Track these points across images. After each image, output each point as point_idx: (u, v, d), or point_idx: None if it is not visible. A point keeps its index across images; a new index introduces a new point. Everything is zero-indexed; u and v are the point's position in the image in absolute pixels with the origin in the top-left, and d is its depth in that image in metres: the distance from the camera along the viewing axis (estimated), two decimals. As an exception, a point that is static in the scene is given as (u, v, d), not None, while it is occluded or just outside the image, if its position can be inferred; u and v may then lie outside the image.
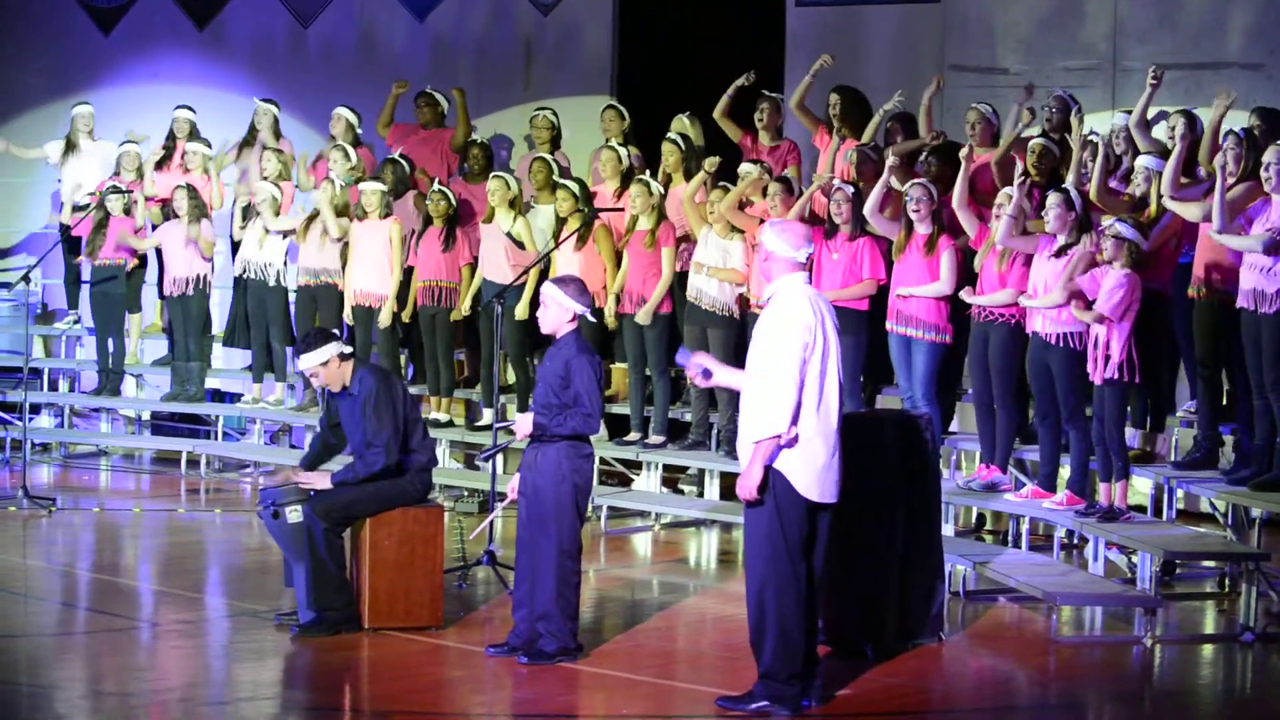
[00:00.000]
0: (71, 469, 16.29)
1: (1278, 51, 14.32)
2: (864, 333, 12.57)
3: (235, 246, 16.38)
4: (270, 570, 11.41)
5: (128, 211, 16.32)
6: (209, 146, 16.53)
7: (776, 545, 8.46)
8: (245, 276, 15.87)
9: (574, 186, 14.23)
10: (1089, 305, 10.99)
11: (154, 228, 16.38)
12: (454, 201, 14.87)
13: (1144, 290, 10.99)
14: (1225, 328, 11.31)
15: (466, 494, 14.20)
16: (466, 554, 11.62)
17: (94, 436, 17.20)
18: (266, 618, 10.31)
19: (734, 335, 13.24)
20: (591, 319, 9.64)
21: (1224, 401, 11.83)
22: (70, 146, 17.12)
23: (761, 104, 14.15)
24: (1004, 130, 12.78)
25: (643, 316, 13.73)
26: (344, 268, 15.26)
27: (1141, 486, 12.19)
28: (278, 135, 16.41)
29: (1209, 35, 14.57)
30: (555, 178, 14.57)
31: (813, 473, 8.45)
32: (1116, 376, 10.87)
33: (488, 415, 14.63)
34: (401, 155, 15.61)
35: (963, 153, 12.24)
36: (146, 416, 17.05)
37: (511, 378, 14.70)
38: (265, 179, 15.77)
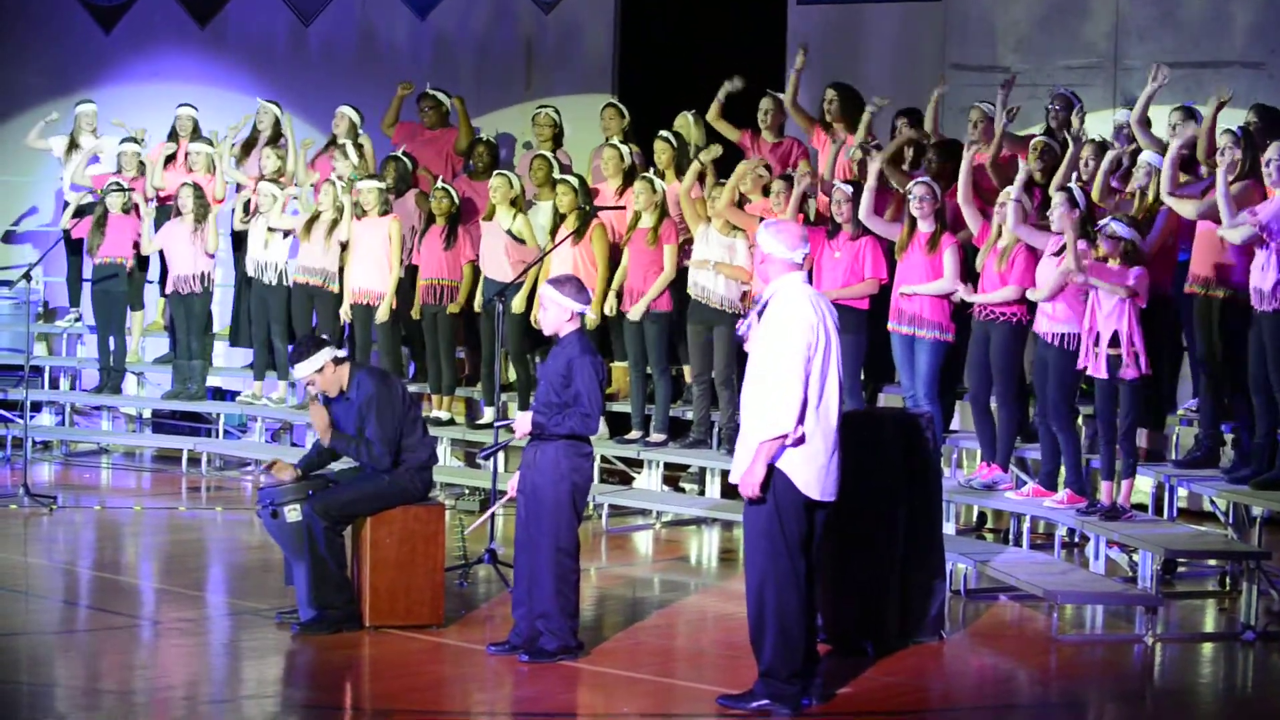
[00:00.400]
0: (72, 467, 16.29)
1: (1278, 50, 14.32)
2: (864, 332, 12.57)
3: (236, 241, 16.38)
4: (271, 568, 11.41)
5: (127, 210, 16.32)
6: (211, 145, 16.53)
7: (776, 543, 8.46)
8: (253, 275, 15.86)
9: (574, 182, 14.23)
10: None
11: (156, 227, 16.38)
12: (457, 200, 14.88)
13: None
14: (1225, 325, 11.31)
15: (467, 492, 14.22)
16: (467, 552, 11.62)
17: (95, 434, 17.21)
18: (267, 616, 10.31)
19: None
20: (592, 316, 9.63)
21: (1225, 400, 11.83)
22: (73, 145, 17.14)
23: (764, 103, 14.14)
24: (995, 128, 12.77)
25: (635, 312, 13.71)
26: (342, 268, 15.28)
27: (1142, 485, 12.18)
28: (279, 135, 16.40)
29: (1210, 34, 14.57)
30: (556, 175, 14.57)
31: (813, 471, 8.45)
32: (1137, 374, 10.84)
33: (488, 414, 14.63)
34: (404, 153, 15.60)
35: (970, 140, 12.21)
36: (147, 414, 17.05)
37: (512, 376, 14.71)
38: (264, 178, 15.79)
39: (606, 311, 13.95)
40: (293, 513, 9.92)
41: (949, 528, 11.95)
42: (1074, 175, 11.77)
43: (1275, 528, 11.86)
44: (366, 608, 10.01)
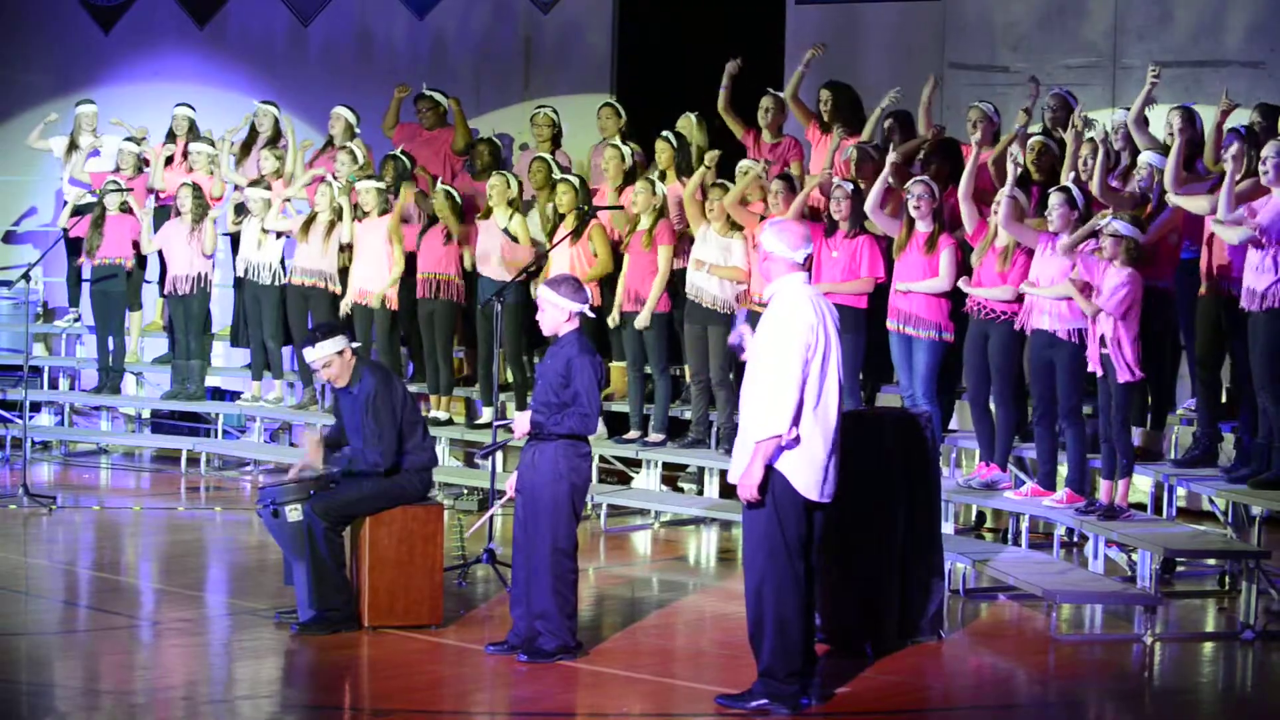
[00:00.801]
0: (72, 467, 16.30)
1: (1278, 49, 14.33)
2: (863, 331, 12.57)
3: (234, 243, 16.39)
4: (270, 568, 11.42)
5: (124, 209, 16.32)
6: (211, 145, 16.53)
7: (775, 544, 8.46)
8: (245, 276, 15.89)
9: (575, 182, 14.23)
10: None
11: (156, 227, 16.38)
12: (459, 201, 14.88)
13: (1145, 287, 11.00)
14: (1224, 325, 11.32)
15: (466, 492, 14.22)
16: (466, 552, 11.62)
17: (94, 435, 17.21)
18: (266, 616, 10.31)
19: (734, 333, 13.23)
20: (591, 315, 9.63)
21: (1224, 399, 11.84)
22: (73, 145, 17.15)
23: (765, 101, 14.15)
24: (1003, 130, 12.79)
25: (641, 320, 13.73)
26: (340, 268, 15.30)
27: (1142, 484, 12.19)
28: (278, 136, 16.41)
29: (1208, 33, 14.58)
30: (555, 175, 14.57)
31: (812, 472, 8.45)
32: (1129, 378, 10.86)
33: (487, 414, 14.64)
34: (402, 152, 15.60)
35: (974, 138, 12.20)
36: (146, 415, 17.06)
37: (510, 376, 14.70)
38: (262, 177, 15.80)
39: (610, 324, 13.96)
40: (294, 512, 9.93)
41: (948, 527, 11.95)
42: (1079, 172, 11.74)
43: (1274, 527, 11.86)
44: (365, 608, 10.00)
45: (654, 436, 13.95)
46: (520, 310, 14.04)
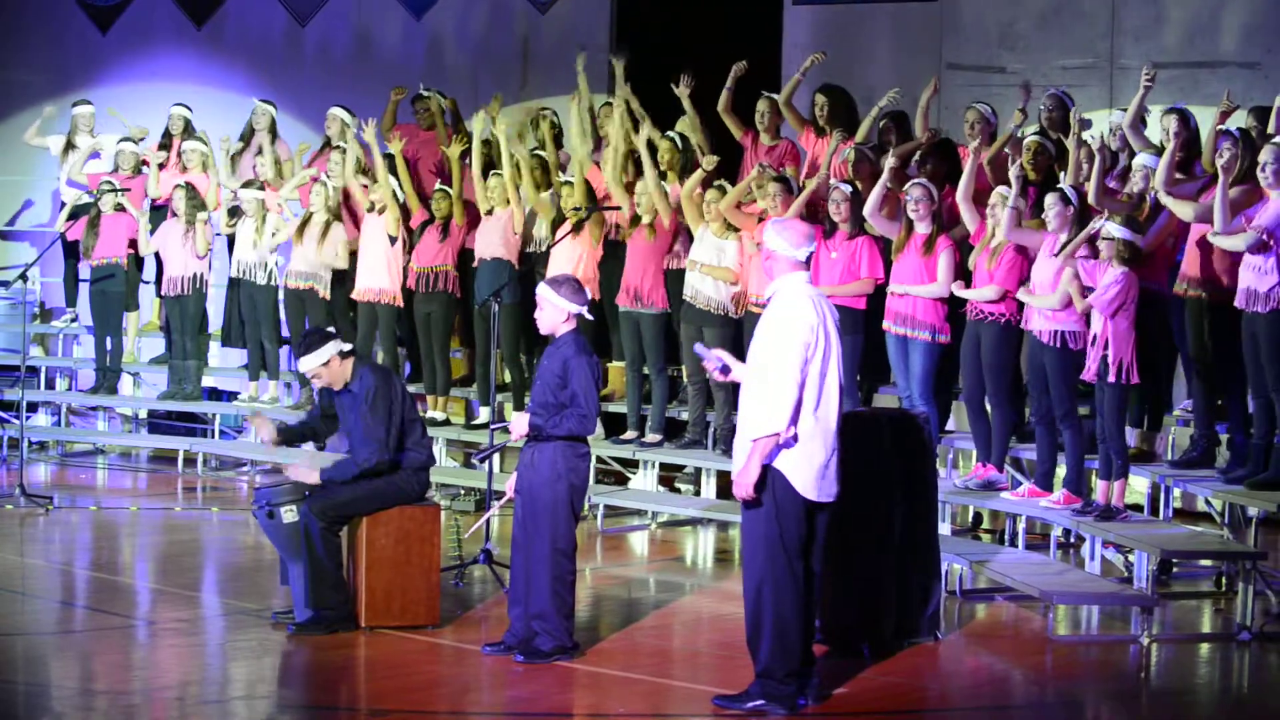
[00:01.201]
0: (68, 467, 16.29)
1: (1274, 50, 14.33)
2: (861, 332, 12.57)
3: (230, 243, 16.39)
4: (267, 568, 11.41)
5: (120, 209, 16.31)
6: (205, 144, 16.54)
7: (774, 544, 8.46)
8: (239, 277, 15.89)
9: (579, 181, 14.23)
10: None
11: (153, 228, 16.38)
12: (457, 199, 14.88)
13: (1141, 289, 11.00)
14: (1217, 326, 11.32)
15: (463, 492, 14.21)
16: (463, 553, 11.62)
17: (91, 435, 17.21)
18: (263, 616, 10.31)
19: (730, 334, 13.24)
20: (589, 317, 9.63)
21: (1219, 400, 11.84)
22: (70, 145, 17.15)
23: (761, 104, 14.14)
24: (1000, 131, 12.80)
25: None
26: (337, 269, 15.35)
27: (1138, 485, 12.20)
28: (274, 136, 16.41)
29: (1205, 34, 14.58)
30: (560, 175, 14.57)
31: (811, 472, 8.45)
32: (1118, 378, 10.87)
33: (484, 414, 14.64)
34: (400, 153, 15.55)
35: (973, 146, 12.21)
36: (143, 415, 17.05)
37: (508, 377, 14.71)
38: (257, 177, 15.81)
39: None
40: (289, 513, 9.92)
41: (945, 528, 11.95)
42: (1078, 176, 11.75)
43: (1271, 528, 11.86)
44: (362, 608, 10.00)
45: (651, 437, 13.95)
46: (518, 310, 14.03)
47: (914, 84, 13.79)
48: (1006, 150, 12.54)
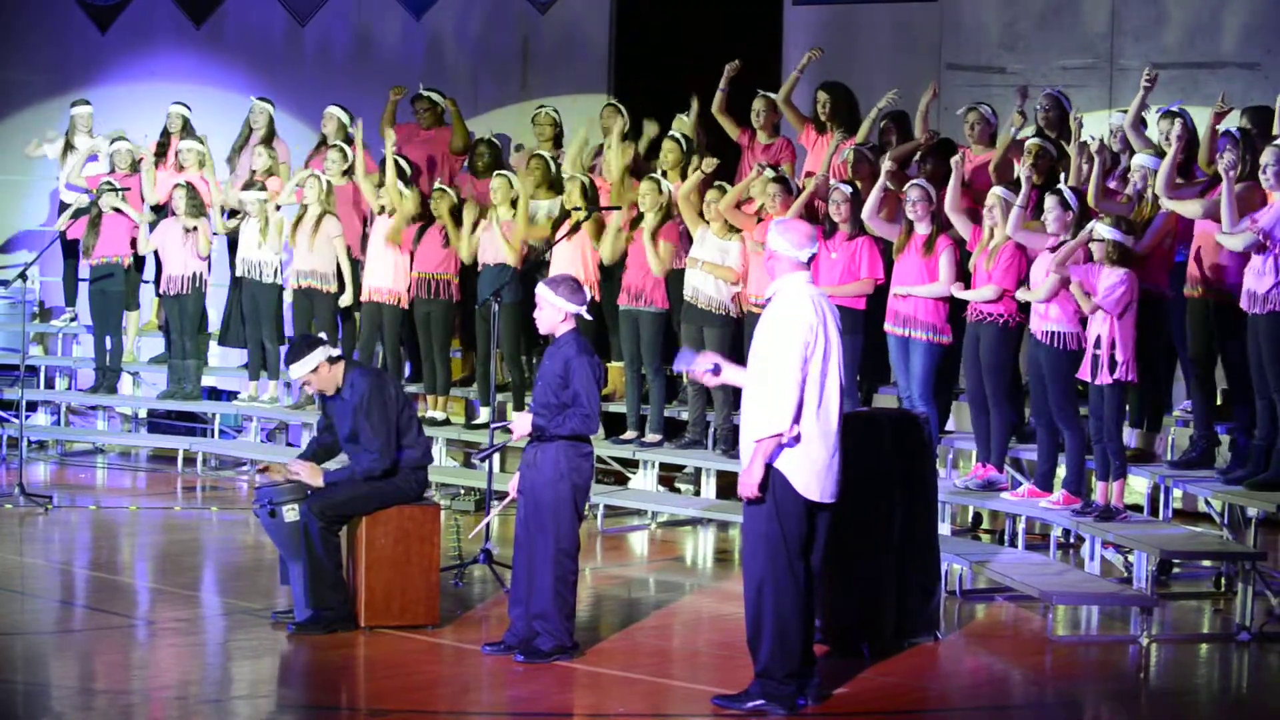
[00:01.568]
0: (68, 466, 16.29)
1: (1274, 50, 14.33)
2: (861, 332, 12.57)
3: (230, 242, 16.38)
4: (266, 568, 11.41)
5: (119, 209, 16.31)
6: (202, 144, 16.53)
7: (775, 544, 8.46)
8: (244, 275, 15.88)
9: (585, 181, 14.23)
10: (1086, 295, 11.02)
11: (151, 227, 16.38)
12: (456, 200, 14.88)
13: (1140, 290, 11.01)
14: (1219, 327, 11.32)
15: (463, 492, 14.21)
16: (463, 552, 11.61)
17: (90, 434, 17.20)
18: (263, 616, 10.31)
19: (730, 334, 13.25)
20: (588, 317, 9.63)
21: (1219, 401, 11.84)
22: (69, 146, 17.14)
23: (758, 103, 14.14)
24: (999, 133, 12.80)
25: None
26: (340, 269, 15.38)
27: (1138, 486, 12.20)
28: (272, 134, 16.41)
29: (1205, 34, 14.58)
30: (561, 174, 14.56)
31: (812, 472, 8.45)
32: (1119, 378, 10.87)
33: (484, 414, 14.64)
34: (402, 154, 15.54)
35: (955, 159, 12.21)
36: (143, 414, 17.05)
37: (508, 376, 14.70)
38: (254, 176, 15.81)
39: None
40: (291, 512, 9.92)
41: (945, 528, 11.95)
42: (1079, 178, 11.75)
43: (1271, 528, 11.85)
44: (362, 608, 10.00)
45: (651, 437, 13.95)
46: (518, 310, 14.02)
47: (914, 84, 13.78)
48: (1011, 154, 12.54)
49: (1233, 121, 11.82)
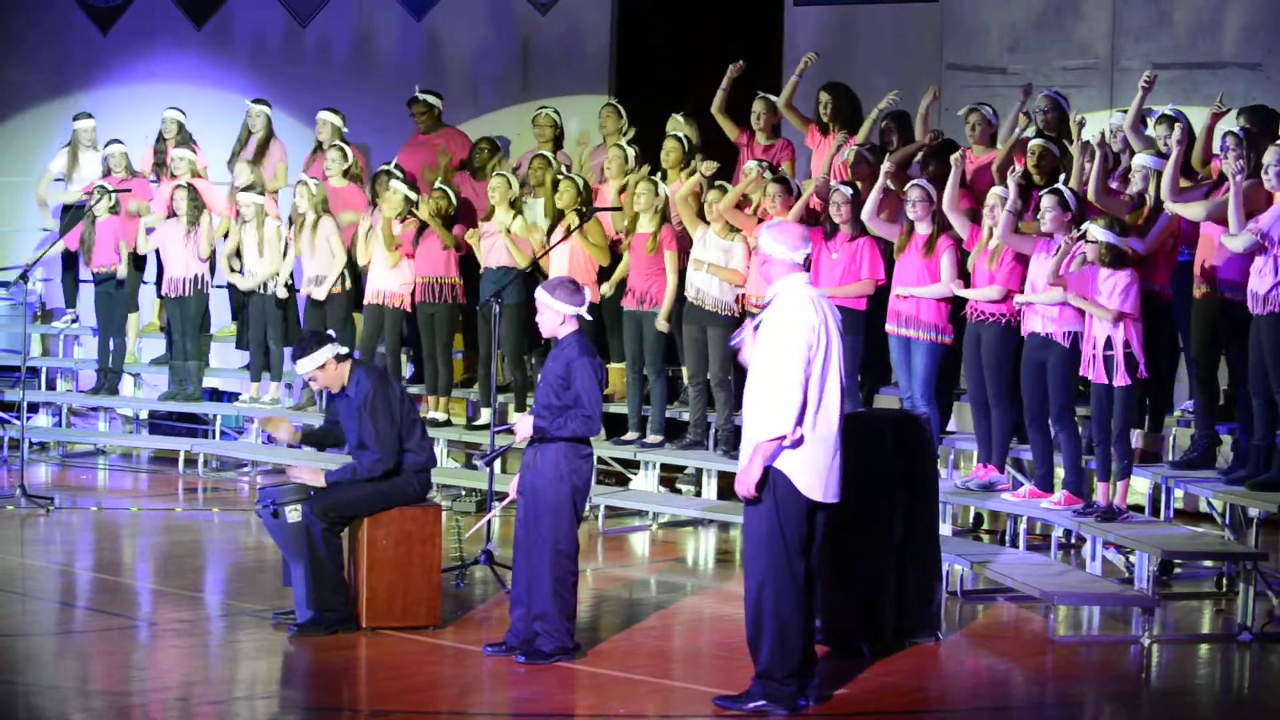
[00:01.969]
0: (69, 468, 16.29)
1: (1275, 50, 14.33)
2: (861, 332, 12.57)
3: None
4: (268, 569, 11.42)
5: (115, 211, 16.31)
6: (194, 152, 16.52)
7: (775, 545, 8.46)
8: (252, 289, 15.87)
9: (579, 181, 14.24)
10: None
11: (148, 231, 16.40)
12: (454, 200, 14.88)
13: (1143, 291, 11.00)
14: (1221, 327, 11.33)
15: (464, 493, 14.21)
16: (464, 553, 11.62)
17: (92, 435, 17.21)
18: (264, 617, 10.31)
19: (733, 334, 13.24)
20: (588, 318, 9.63)
21: (1221, 401, 11.84)
22: (74, 159, 17.12)
23: (758, 105, 14.14)
24: (1001, 133, 12.80)
25: (660, 323, 13.68)
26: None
27: (1139, 486, 12.19)
28: (270, 136, 16.42)
29: (1206, 35, 14.58)
30: (558, 175, 14.57)
31: (813, 473, 8.45)
32: (1127, 381, 10.86)
33: (485, 415, 14.64)
34: (397, 166, 15.48)
35: (954, 157, 12.21)
36: (144, 416, 17.05)
37: (509, 378, 14.70)
38: (249, 182, 15.84)
39: (604, 292, 13.97)
40: (293, 513, 9.93)
41: (945, 529, 11.95)
42: (1081, 179, 11.74)
43: (1272, 529, 11.86)
44: (363, 609, 10.00)
45: (652, 438, 13.95)
46: (520, 311, 14.03)
47: (915, 85, 13.78)
48: (1011, 155, 12.54)
49: (1230, 122, 11.83)
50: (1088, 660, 10.11)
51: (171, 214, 16.11)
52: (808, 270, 8.63)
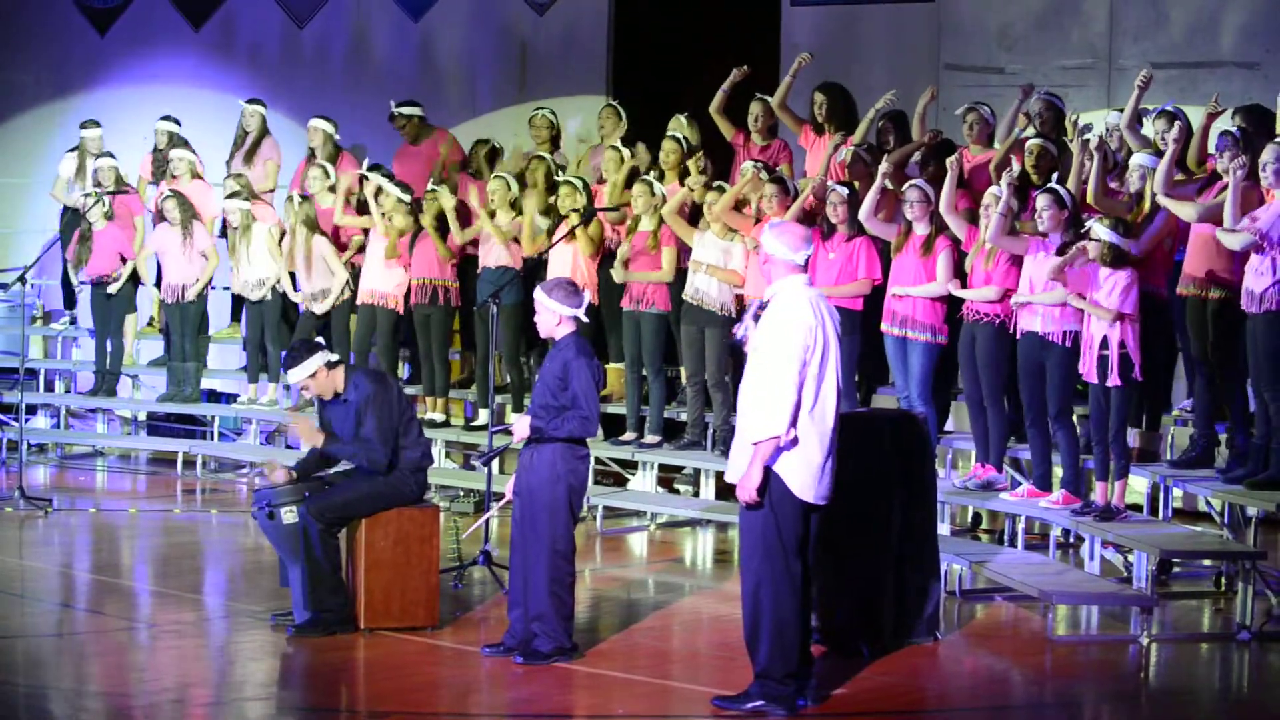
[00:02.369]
0: (68, 470, 16.30)
1: (1272, 50, 14.34)
2: (858, 332, 12.57)
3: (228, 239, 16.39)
4: (266, 570, 11.41)
5: (110, 217, 16.30)
6: (193, 151, 16.52)
7: (771, 545, 8.46)
8: (244, 297, 15.88)
9: (578, 183, 14.23)
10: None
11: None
12: (452, 198, 14.87)
13: (1141, 290, 11.00)
14: (1217, 326, 11.32)
15: (462, 494, 14.21)
16: (462, 554, 11.62)
17: (90, 437, 17.21)
18: (262, 618, 10.31)
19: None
20: (585, 319, 9.62)
21: (1219, 400, 11.83)
22: (81, 167, 17.11)
23: (755, 106, 14.15)
24: (999, 133, 12.80)
25: (617, 269, 13.69)
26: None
27: (1138, 485, 12.19)
28: (264, 135, 16.42)
29: (1203, 34, 14.59)
30: (556, 176, 14.56)
31: (808, 474, 8.45)
32: (1121, 382, 10.86)
33: (483, 415, 14.64)
34: (385, 173, 15.47)
35: (950, 159, 12.21)
36: (142, 417, 17.05)
37: (507, 378, 14.70)
38: (234, 190, 15.84)
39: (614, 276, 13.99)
40: (289, 514, 9.93)
41: (944, 528, 11.95)
42: (1080, 179, 11.74)
43: (1270, 528, 11.86)
44: (361, 609, 10.00)
45: (650, 438, 13.94)
46: (517, 311, 14.04)
47: (912, 85, 13.78)
48: (1011, 154, 12.54)
49: (1225, 121, 11.83)
50: (1086, 660, 10.11)
51: (162, 219, 16.11)
52: (808, 271, 8.64)
